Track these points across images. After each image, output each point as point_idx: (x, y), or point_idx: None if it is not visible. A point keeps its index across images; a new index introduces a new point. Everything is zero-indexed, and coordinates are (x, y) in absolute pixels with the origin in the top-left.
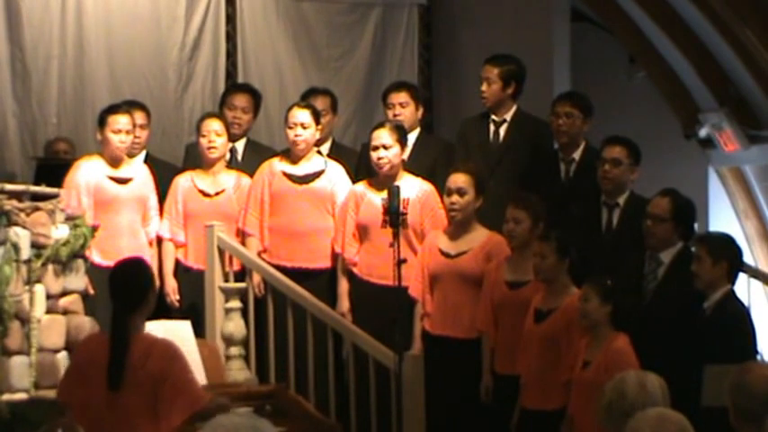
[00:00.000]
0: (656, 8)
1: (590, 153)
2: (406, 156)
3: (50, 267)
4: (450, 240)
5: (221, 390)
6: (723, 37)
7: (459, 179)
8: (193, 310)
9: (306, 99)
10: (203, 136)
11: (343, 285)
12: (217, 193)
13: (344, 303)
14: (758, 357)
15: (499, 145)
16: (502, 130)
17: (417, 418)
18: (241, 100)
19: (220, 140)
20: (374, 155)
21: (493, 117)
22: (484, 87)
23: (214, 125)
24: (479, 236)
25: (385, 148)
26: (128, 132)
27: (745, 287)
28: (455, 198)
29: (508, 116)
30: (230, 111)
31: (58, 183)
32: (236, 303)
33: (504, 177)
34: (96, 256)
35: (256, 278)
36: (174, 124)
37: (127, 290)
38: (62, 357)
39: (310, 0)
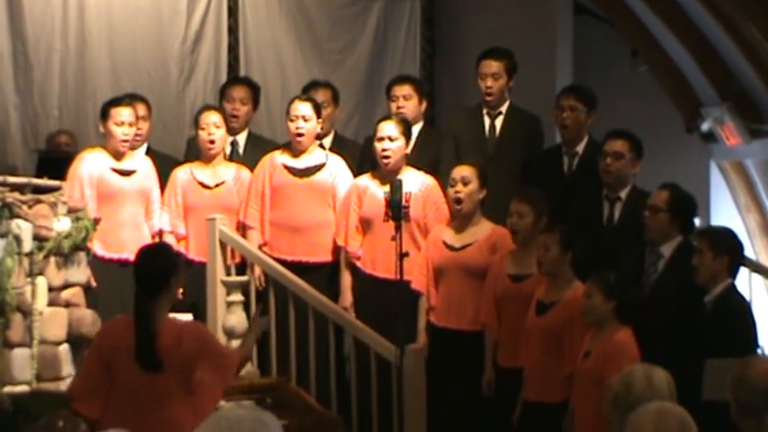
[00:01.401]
0: (658, 1)
1: (593, 147)
2: (409, 149)
3: (52, 260)
4: (454, 233)
5: None
6: (725, 31)
7: (463, 170)
8: (195, 303)
9: (307, 92)
10: (202, 129)
11: (347, 279)
12: (217, 185)
13: (347, 298)
14: (759, 351)
15: (496, 138)
16: (498, 123)
17: (418, 412)
18: (239, 92)
19: (219, 133)
20: (379, 146)
21: (487, 110)
22: (490, 83)
23: (212, 117)
24: (484, 228)
25: (390, 139)
26: (130, 124)
27: (746, 281)
28: (459, 187)
29: (503, 109)
30: (229, 103)
31: (59, 175)
32: (237, 297)
33: (501, 170)
34: (99, 249)
35: (257, 271)
36: (176, 117)
37: (149, 275)
38: (64, 350)
39: None
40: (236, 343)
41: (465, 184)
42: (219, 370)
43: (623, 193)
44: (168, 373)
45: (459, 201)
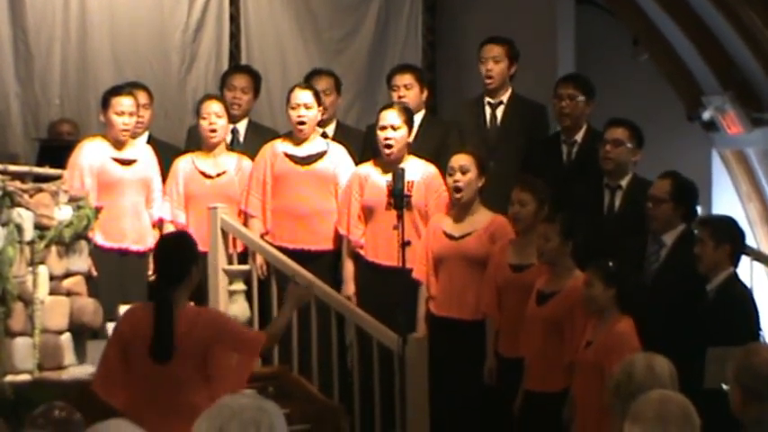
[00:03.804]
0: None
1: (592, 136)
2: (411, 138)
3: (54, 249)
4: (454, 222)
5: None
6: (727, 19)
7: (461, 158)
8: (197, 292)
9: (309, 80)
10: (203, 118)
11: (349, 268)
12: (218, 175)
13: (350, 287)
14: (760, 340)
15: (497, 128)
16: (499, 113)
17: (421, 401)
18: (240, 80)
19: (221, 122)
20: (381, 135)
21: (489, 100)
22: (490, 66)
23: (214, 107)
24: (483, 217)
25: (393, 128)
26: (131, 114)
27: (747, 270)
28: (458, 176)
29: (504, 98)
30: (230, 91)
31: (61, 164)
32: (239, 286)
33: (502, 160)
34: (100, 238)
35: (259, 260)
36: (177, 106)
37: (170, 263)
38: (65, 339)
39: None
40: None
41: (464, 172)
42: (242, 351)
43: (624, 182)
44: (182, 359)
45: (458, 189)
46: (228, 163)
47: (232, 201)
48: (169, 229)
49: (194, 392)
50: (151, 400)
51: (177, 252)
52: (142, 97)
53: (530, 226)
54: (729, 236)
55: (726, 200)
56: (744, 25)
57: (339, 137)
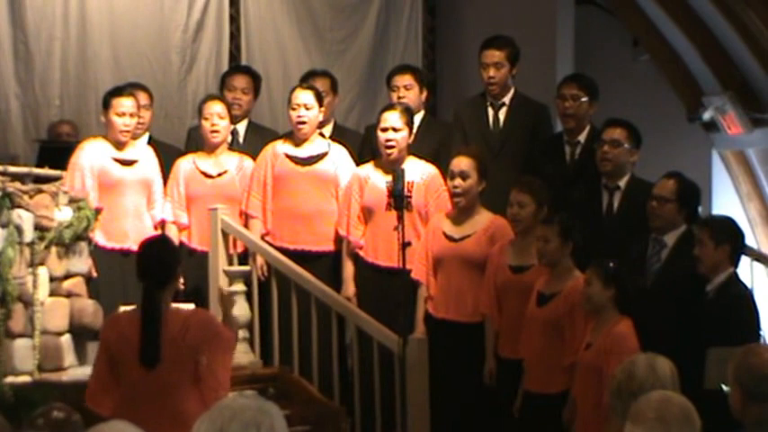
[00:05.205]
0: None
1: (595, 136)
2: (411, 139)
3: (54, 250)
4: (453, 224)
5: None
6: (727, 20)
7: (462, 162)
8: (197, 292)
9: (305, 81)
10: (205, 119)
11: (349, 269)
12: (219, 174)
13: (350, 288)
14: (761, 340)
15: (500, 130)
16: (501, 114)
17: (421, 402)
18: (240, 81)
19: (223, 123)
20: (383, 136)
21: (491, 101)
22: (492, 72)
23: (216, 107)
24: (483, 219)
25: (395, 130)
26: (131, 115)
27: (747, 270)
28: (458, 181)
29: (507, 99)
30: (230, 92)
31: (60, 165)
32: (240, 287)
33: (506, 162)
34: (101, 239)
35: (260, 261)
36: (177, 107)
37: (156, 266)
38: (66, 340)
39: None
40: (239, 333)
41: (464, 178)
42: (226, 354)
43: (622, 183)
44: (174, 364)
45: (457, 195)
46: (230, 163)
47: (233, 200)
48: (172, 229)
49: (183, 398)
50: (139, 407)
51: (162, 254)
52: (142, 98)
53: (529, 227)
54: (729, 236)
55: (726, 200)
56: (744, 25)
57: (336, 138)
